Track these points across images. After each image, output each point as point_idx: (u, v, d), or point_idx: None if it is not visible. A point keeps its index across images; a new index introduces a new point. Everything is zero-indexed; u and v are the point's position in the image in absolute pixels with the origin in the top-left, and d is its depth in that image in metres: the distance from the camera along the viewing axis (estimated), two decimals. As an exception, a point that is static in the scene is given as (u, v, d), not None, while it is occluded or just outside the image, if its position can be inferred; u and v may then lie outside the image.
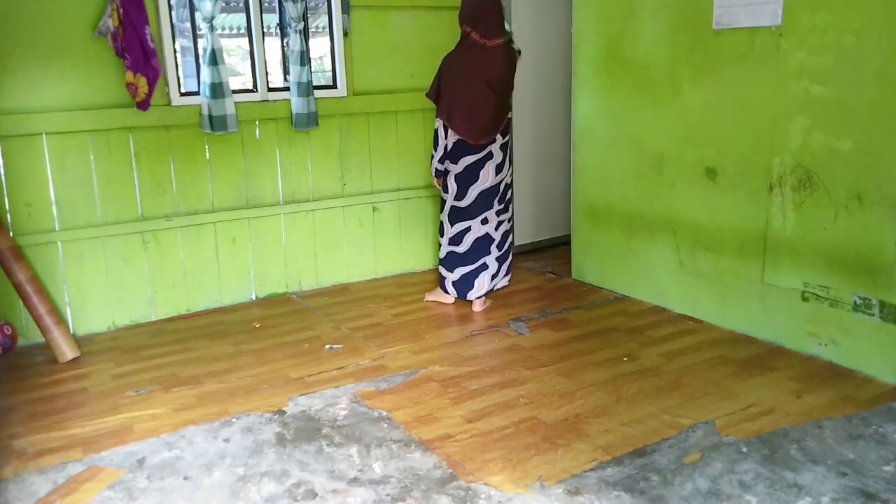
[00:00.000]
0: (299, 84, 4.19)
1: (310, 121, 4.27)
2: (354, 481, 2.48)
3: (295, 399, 3.10)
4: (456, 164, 3.91)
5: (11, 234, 3.65)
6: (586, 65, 4.31)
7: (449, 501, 2.36)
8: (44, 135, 3.69)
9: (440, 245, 4.12)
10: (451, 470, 2.53)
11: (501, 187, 4.00)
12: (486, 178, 3.91)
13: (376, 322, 4.00)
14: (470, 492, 2.40)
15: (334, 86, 4.52)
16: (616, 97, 4.16)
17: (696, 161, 3.76)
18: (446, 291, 4.15)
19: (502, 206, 4.04)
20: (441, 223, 4.10)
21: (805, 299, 3.36)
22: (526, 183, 5.20)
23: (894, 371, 3.09)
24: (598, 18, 4.19)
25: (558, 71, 5.16)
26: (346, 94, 4.49)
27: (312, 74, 4.26)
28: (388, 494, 2.40)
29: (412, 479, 2.48)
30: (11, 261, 3.52)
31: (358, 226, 4.66)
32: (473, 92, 3.77)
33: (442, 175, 3.98)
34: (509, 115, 3.98)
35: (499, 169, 3.93)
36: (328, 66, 4.64)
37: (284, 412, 2.98)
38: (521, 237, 5.28)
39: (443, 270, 4.13)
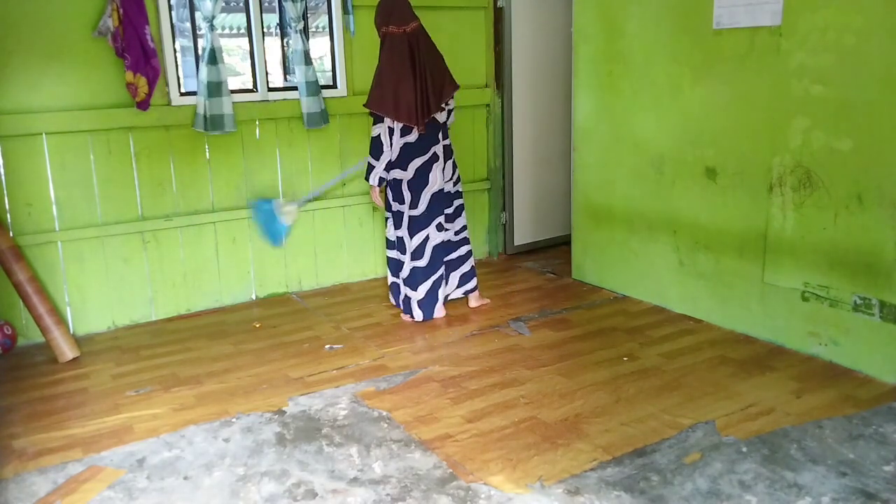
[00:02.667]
0: (307, 83, 4.18)
1: (322, 118, 4.28)
2: (354, 481, 2.48)
3: (295, 399, 3.10)
4: (406, 169, 3.76)
5: (11, 234, 3.65)
6: (586, 65, 4.31)
7: (449, 501, 2.36)
8: (44, 135, 3.69)
9: (398, 266, 3.95)
10: (451, 470, 2.53)
11: (452, 194, 3.93)
12: (436, 180, 3.81)
13: (376, 322, 4.00)
14: (470, 492, 2.40)
15: (334, 86, 4.52)
16: (616, 97, 4.16)
17: (696, 161, 3.76)
18: (411, 314, 3.97)
19: (452, 211, 3.96)
20: (395, 241, 3.92)
21: (805, 299, 3.36)
22: (526, 183, 5.20)
23: (894, 371, 3.08)
24: (598, 18, 4.19)
25: (558, 71, 5.16)
26: (346, 94, 4.49)
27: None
28: (388, 494, 2.40)
29: (412, 479, 2.48)
30: (11, 261, 3.52)
31: (358, 226, 4.66)
32: (404, 79, 3.64)
33: (383, 184, 3.82)
34: (450, 109, 3.87)
35: (445, 173, 3.85)
36: (328, 66, 4.64)
37: (284, 412, 2.98)
38: (522, 237, 5.28)
39: (407, 291, 3.93)
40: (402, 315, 4.06)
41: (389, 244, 4.01)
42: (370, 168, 3.75)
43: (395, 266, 4.01)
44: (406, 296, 3.96)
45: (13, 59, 3.58)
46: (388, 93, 3.64)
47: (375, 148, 3.72)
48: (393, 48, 3.66)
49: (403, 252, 3.91)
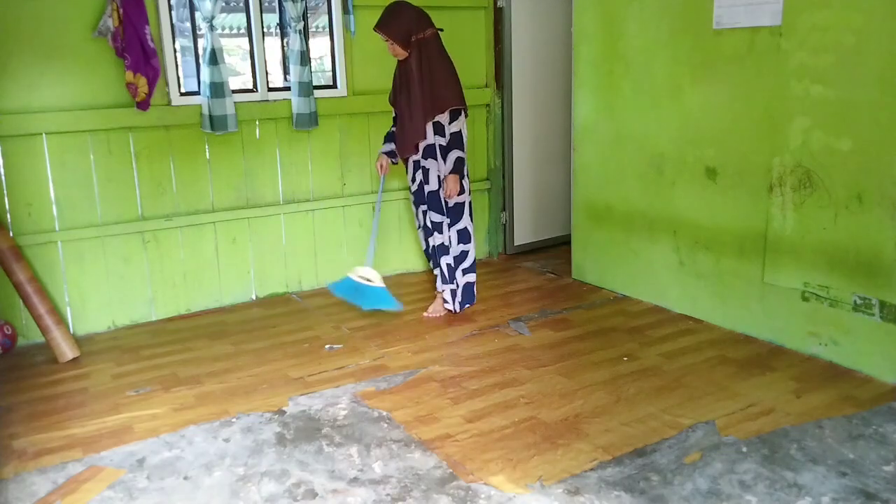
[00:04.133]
0: (300, 84, 4.19)
1: (311, 121, 4.27)
2: (354, 481, 2.48)
3: (295, 399, 3.10)
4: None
5: (11, 234, 3.65)
6: (586, 65, 4.31)
7: (449, 501, 2.36)
8: (44, 135, 3.69)
9: (464, 257, 3.97)
10: (451, 470, 2.53)
11: None
12: None
13: (376, 322, 4.00)
14: (470, 492, 2.40)
15: (334, 86, 4.52)
16: (616, 97, 4.16)
17: (696, 161, 3.76)
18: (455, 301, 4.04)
19: None
20: (467, 230, 3.94)
21: (805, 299, 3.36)
22: (526, 183, 5.20)
23: (894, 371, 3.09)
24: (598, 18, 4.19)
25: (558, 71, 5.16)
26: (346, 94, 4.49)
27: (312, 74, 4.26)
28: (388, 494, 2.40)
29: (412, 479, 2.48)
30: (11, 261, 3.52)
31: (358, 226, 4.66)
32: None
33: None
34: None
35: None
36: (328, 66, 4.64)
37: (284, 412, 2.98)
38: (522, 237, 5.28)
39: (468, 277, 4.02)
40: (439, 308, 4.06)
41: (443, 249, 3.94)
42: (461, 161, 3.79)
43: (459, 259, 4.00)
44: (468, 282, 4.02)
45: (13, 59, 3.58)
46: (460, 87, 3.78)
47: (459, 141, 3.79)
48: (441, 47, 3.77)
49: (468, 241, 3.96)
